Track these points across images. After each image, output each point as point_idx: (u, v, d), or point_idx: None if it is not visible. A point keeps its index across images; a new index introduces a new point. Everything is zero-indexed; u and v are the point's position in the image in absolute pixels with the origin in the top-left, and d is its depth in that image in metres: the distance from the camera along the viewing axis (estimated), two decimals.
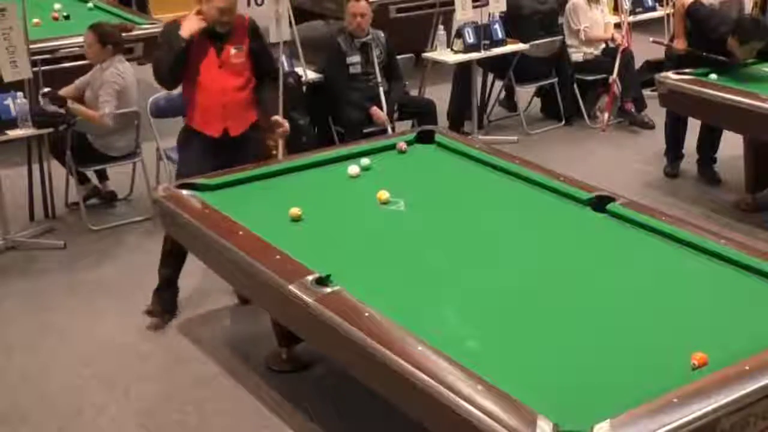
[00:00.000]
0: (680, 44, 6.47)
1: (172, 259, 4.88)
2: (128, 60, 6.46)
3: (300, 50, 6.77)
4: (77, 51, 6.18)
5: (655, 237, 3.92)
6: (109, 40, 5.92)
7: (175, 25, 4.80)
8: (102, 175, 6.42)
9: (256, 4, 6.63)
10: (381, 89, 6.50)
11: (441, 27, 7.61)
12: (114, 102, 5.80)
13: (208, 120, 4.83)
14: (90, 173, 6.31)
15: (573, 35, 7.69)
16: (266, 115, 5.00)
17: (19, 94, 5.64)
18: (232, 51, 4.78)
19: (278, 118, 5.07)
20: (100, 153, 6.01)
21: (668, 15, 8.11)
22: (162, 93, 6.38)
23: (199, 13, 4.75)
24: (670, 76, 6.13)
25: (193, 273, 4.99)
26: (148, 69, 7.79)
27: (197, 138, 4.87)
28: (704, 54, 6.20)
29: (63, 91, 5.98)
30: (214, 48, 4.76)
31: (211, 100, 4.79)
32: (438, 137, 5.06)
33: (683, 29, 6.44)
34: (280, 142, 5.56)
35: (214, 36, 4.76)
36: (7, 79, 5.69)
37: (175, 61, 4.73)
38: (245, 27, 4.84)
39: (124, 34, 6.45)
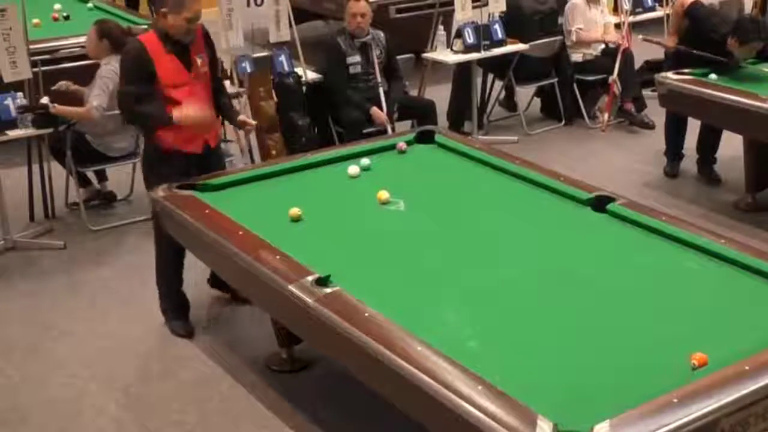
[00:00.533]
0: (671, 42, 6.49)
1: (171, 264, 4.79)
2: None
3: (300, 50, 6.77)
4: (77, 51, 6.19)
5: (655, 237, 3.92)
6: (106, 35, 5.90)
7: (139, 50, 4.54)
8: (101, 176, 6.41)
9: (256, 4, 6.62)
10: (381, 89, 6.50)
11: (441, 27, 7.60)
12: (104, 97, 5.73)
13: (188, 138, 4.61)
14: (90, 174, 6.31)
15: (567, 36, 7.70)
16: (232, 117, 4.93)
17: (19, 94, 5.65)
18: (198, 61, 4.61)
19: (244, 117, 5.06)
20: (99, 153, 6.01)
21: (668, 15, 8.10)
22: None
23: (158, 27, 4.57)
24: (670, 76, 6.13)
25: (192, 273, 4.98)
26: None
27: (175, 158, 4.60)
28: (694, 51, 6.21)
29: (74, 88, 6.01)
30: (182, 63, 4.56)
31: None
32: (438, 137, 5.06)
33: (677, 27, 6.46)
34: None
35: (178, 51, 4.55)
36: (7, 79, 5.69)
37: (151, 120, 4.58)
38: (201, 35, 4.67)
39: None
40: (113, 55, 5.93)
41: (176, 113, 4.50)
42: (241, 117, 5.00)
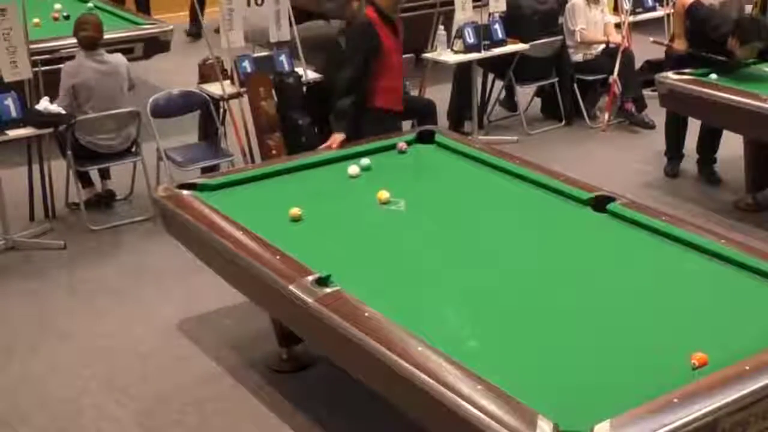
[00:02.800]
0: (680, 44, 6.47)
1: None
2: (130, 60, 6.48)
3: (300, 50, 6.77)
4: (77, 51, 6.17)
5: (655, 237, 3.92)
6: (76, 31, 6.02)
7: (368, 24, 5.37)
8: (104, 174, 6.41)
9: (257, 4, 6.62)
10: None
11: (441, 27, 7.60)
12: (64, 97, 5.88)
13: (395, 98, 5.46)
14: (93, 173, 6.30)
15: (570, 36, 7.70)
16: None
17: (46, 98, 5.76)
18: (400, 33, 5.39)
19: None
20: (90, 150, 6.01)
21: (668, 15, 8.11)
22: (162, 93, 6.41)
23: (375, 4, 5.34)
24: (670, 76, 6.13)
25: (192, 273, 4.99)
26: (148, 69, 7.90)
27: (388, 115, 5.44)
28: (704, 54, 6.20)
29: None
30: (393, 33, 5.35)
31: (397, 80, 5.46)
32: (438, 137, 5.06)
33: (683, 29, 6.44)
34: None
35: (389, 24, 5.34)
36: (7, 79, 5.69)
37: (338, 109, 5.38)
38: None
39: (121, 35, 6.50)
40: (81, 51, 5.97)
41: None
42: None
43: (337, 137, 5.13)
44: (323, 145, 5.20)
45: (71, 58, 6.17)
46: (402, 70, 5.53)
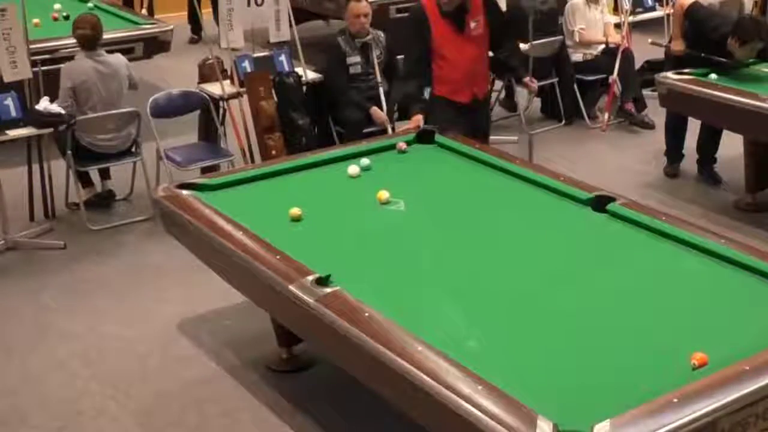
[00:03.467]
0: (677, 45, 6.47)
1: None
2: (130, 60, 6.48)
3: (300, 50, 6.77)
4: (77, 51, 6.18)
5: (655, 237, 3.92)
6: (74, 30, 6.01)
7: (419, 13, 5.37)
8: (104, 174, 6.41)
9: (257, 4, 6.62)
10: (381, 89, 6.50)
11: None
12: (64, 97, 5.87)
13: (454, 90, 5.36)
14: (93, 173, 6.30)
15: (569, 36, 7.70)
16: (518, 75, 5.78)
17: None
18: (472, 24, 5.27)
19: (528, 79, 5.70)
20: (89, 150, 6.01)
21: (668, 15, 8.10)
22: (162, 93, 6.41)
23: None
24: (670, 76, 6.13)
25: (192, 273, 4.99)
26: (149, 69, 7.90)
27: (447, 105, 5.36)
28: (702, 55, 6.20)
29: None
30: (456, 25, 5.26)
31: (456, 72, 5.32)
32: (438, 137, 5.06)
33: (681, 30, 6.44)
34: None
35: (453, 14, 5.25)
36: (7, 79, 5.69)
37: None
38: (480, 2, 5.29)
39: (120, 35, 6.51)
40: (82, 51, 5.98)
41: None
42: (526, 78, 5.69)
43: (417, 117, 5.29)
44: (405, 126, 5.37)
45: (71, 58, 6.18)
46: (468, 63, 5.33)
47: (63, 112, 5.77)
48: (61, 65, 6.11)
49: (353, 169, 4.62)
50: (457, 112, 5.35)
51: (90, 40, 6.02)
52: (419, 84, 5.43)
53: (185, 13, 9.98)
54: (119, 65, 6.14)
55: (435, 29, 5.27)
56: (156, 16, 8.96)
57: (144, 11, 9.51)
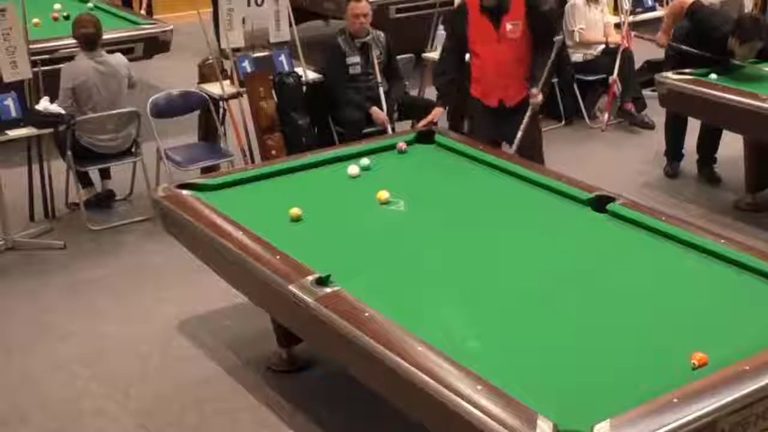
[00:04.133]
0: (663, 39, 6.51)
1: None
2: (130, 60, 6.48)
3: (300, 50, 6.77)
4: (77, 51, 6.18)
5: (655, 237, 3.92)
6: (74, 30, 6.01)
7: (461, 8, 5.44)
8: (104, 174, 6.41)
9: (257, 4, 6.62)
10: (381, 89, 6.50)
11: (441, 27, 7.59)
12: (64, 97, 5.86)
13: (483, 92, 5.41)
14: (93, 173, 6.30)
15: (569, 36, 7.69)
16: (536, 81, 5.37)
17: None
18: (508, 27, 5.24)
19: (536, 90, 5.35)
20: (90, 150, 6.01)
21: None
22: (162, 93, 6.41)
23: None
24: (670, 76, 6.13)
25: (192, 273, 4.99)
26: (149, 69, 7.90)
27: (479, 106, 5.43)
28: (683, 47, 6.23)
29: None
30: (492, 24, 5.24)
31: (488, 73, 5.34)
32: (438, 137, 5.06)
33: (670, 25, 6.48)
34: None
35: (491, 14, 5.24)
36: (7, 79, 5.69)
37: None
38: (522, 4, 5.25)
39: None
40: (81, 51, 5.98)
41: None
42: (533, 90, 5.35)
43: (436, 111, 5.44)
44: (426, 119, 5.42)
45: (71, 58, 6.18)
46: (499, 65, 5.30)
47: (63, 112, 5.77)
48: (61, 65, 6.11)
49: (353, 169, 4.62)
50: (486, 116, 5.41)
51: (90, 40, 6.01)
52: (450, 78, 5.46)
53: (185, 14, 9.99)
54: (119, 65, 6.14)
55: (472, 22, 5.32)
56: (155, 16, 8.95)
57: (143, 11, 9.50)
